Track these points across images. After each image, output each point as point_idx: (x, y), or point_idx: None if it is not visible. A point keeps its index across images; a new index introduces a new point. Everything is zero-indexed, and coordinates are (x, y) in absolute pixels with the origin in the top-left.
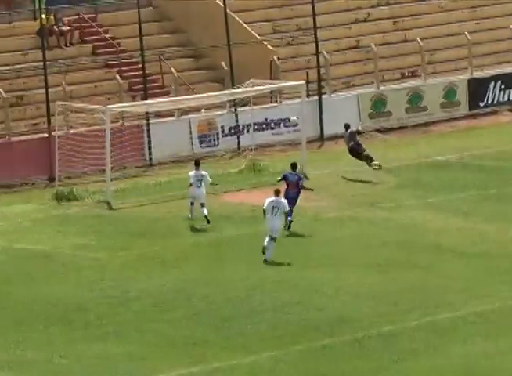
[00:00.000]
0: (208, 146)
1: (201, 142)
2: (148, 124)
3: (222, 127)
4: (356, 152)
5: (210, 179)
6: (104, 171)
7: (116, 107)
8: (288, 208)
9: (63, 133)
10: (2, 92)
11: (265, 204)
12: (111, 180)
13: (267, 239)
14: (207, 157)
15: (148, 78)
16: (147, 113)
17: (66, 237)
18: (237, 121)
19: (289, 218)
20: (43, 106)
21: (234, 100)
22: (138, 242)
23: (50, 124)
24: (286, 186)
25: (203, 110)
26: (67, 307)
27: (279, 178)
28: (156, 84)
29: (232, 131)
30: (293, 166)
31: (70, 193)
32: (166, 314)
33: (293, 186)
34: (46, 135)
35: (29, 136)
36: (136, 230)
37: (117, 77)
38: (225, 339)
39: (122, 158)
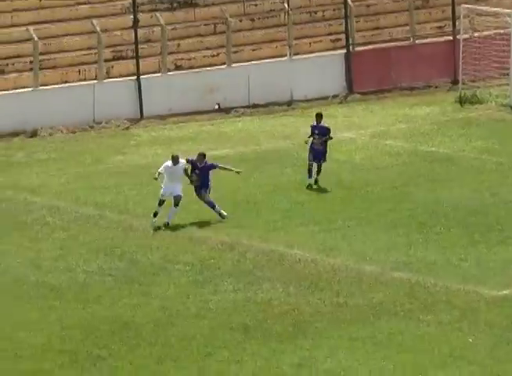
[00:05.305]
0: None
1: None
2: None
3: None
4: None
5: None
6: (508, 74)
7: None
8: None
9: (467, 36)
10: None
11: None
12: None
13: None
14: None
15: None
16: None
17: (468, 140)
18: None
19: None
20: (448, 9)
21: None
22: None
23: (455, 27)
24: None
25: None
26: (468, 210)
27: None
28: None
29: None
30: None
31: (473, 96)
32: None
33: None
34: (451, 38)
35: (433, 39)
36: None
37: None
38: None
39: None
